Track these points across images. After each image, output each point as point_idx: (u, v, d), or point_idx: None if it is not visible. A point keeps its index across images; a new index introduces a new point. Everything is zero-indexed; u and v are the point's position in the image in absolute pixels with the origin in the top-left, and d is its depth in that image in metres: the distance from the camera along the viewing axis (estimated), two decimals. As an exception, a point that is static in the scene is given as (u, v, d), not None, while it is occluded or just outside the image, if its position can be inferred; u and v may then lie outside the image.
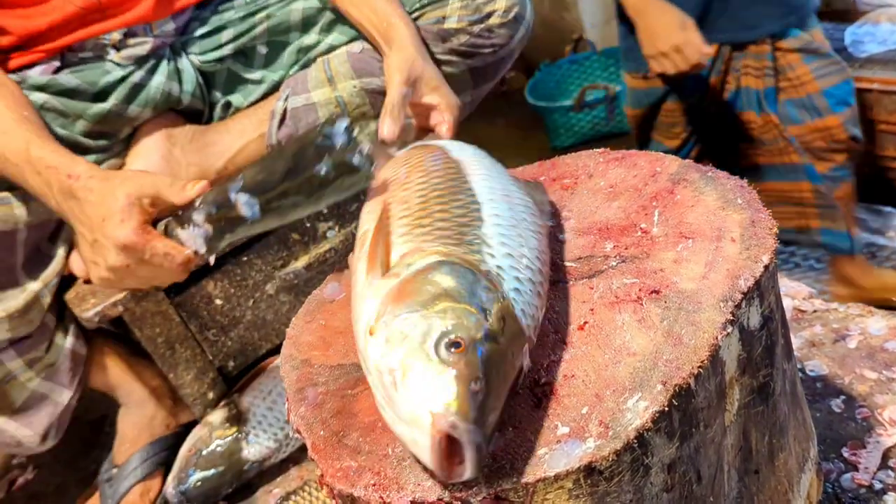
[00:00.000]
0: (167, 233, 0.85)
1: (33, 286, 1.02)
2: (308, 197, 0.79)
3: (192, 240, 0.84)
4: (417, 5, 1.13)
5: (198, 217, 0.83)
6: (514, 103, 2.77)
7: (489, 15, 1.14)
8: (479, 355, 0.50)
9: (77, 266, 1.05)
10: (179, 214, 0.84)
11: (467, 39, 1.14)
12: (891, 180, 2.16)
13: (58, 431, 1.11)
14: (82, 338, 1.12)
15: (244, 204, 0.80)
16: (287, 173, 0.78)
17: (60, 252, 1.06)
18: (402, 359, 0.50)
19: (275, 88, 1.19)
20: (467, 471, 0.47)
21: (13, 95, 0.96)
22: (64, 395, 1.09)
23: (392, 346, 0.51)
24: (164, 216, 0.87)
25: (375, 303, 0.55)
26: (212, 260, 0.87)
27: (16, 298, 1.00)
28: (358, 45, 1.15)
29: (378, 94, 1.14)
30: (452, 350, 0.50)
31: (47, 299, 1.04)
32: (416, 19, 1.13)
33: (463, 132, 1.33)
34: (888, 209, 2.11)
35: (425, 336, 0.50)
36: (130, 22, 1.08)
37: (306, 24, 1.17)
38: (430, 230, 0.60)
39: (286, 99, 1.13)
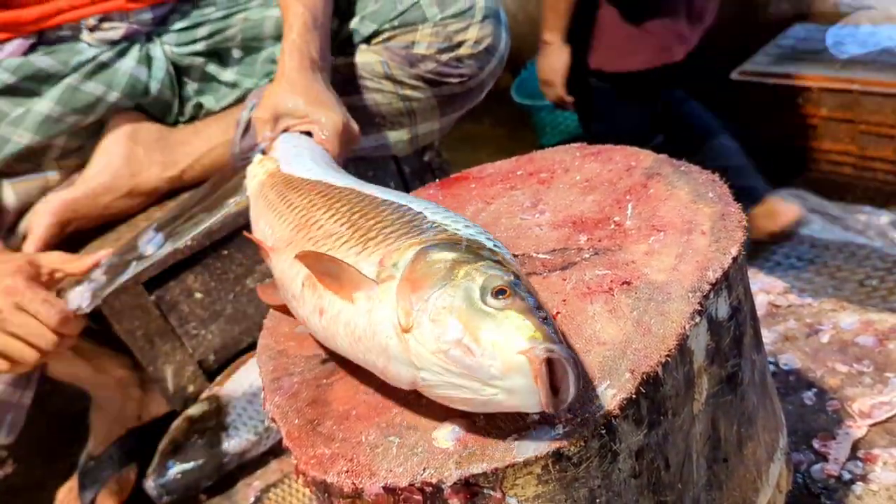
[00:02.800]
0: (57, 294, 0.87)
1: None
2: (210, 212, 0.78)
3: (79, 296, 0.85)
4: (388, 27, 1.13)
5: (96, 273, 0.85)
6: (500, 101, 2.79)
7: (459, 44, 1.13)
8: (524, 291, 0.50)
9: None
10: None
11: (434, 67, 1.13)
12: (871, 180, 2.19)
13: (13, 429, 1.11)
14: None
15: (151, 244, 0.80)
16: (201, 200, 0.78)
17: (20, 230, 1.07)
18: (462, 326, 0.48)
19: (247, 95, 1.19)
20: (571, 387, 0.46)
21: None
22: (14, 395, 1.09)
23: (443, 323, 0.49)
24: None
25: (388, 307, 0.52)
26: (86, 308, 0.87)
27: None
28: None
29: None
30: (501, 297, 0.49)
31: None
32: (387, 40, 1.14)
33: (451, 130, 1.34)
34: (868, 209, 2.13)
35: (469, 299, 0.49)
36: (108, 9, 1.08)
37: (279, 36, 1.18)
38: (384, 238, 0.57)
39: (251, 109, 1.13)
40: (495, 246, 0.57)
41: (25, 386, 1.10)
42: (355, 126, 0.93)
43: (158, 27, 1.15)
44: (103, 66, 1.11)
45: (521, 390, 0.47)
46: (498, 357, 0.47)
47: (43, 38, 1.08)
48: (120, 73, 1.11)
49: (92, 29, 1.09)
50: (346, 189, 0.69)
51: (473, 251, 0.54)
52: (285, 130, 0.91)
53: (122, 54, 1.12)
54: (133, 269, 0.82)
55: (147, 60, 1.14)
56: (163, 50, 1.15)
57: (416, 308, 0.51)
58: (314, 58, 0.96)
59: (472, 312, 0.49)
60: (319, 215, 0.65)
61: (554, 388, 0.46)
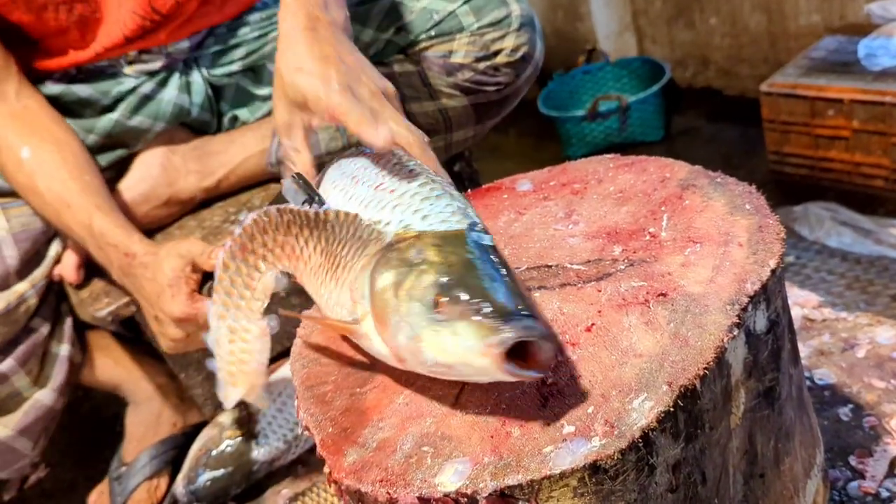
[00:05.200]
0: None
1: (20, 286, 1.04)
2: None
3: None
4: (425, 38, 1.13)
5: None
6: (526, 113, 2.79)
7: (496, 53, 1.13)
8: (460, 286, 0.53)
9: (65, 271, 1.07)
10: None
11: (472, 76, 1.14)
12: (904, 193, 2.16)
13: (46, 437, 1.12)
14: (77, 344, 1.13)
15: None
16: None
17: (51, 254, 1.08)
18: (431, 352, 0.53)
19: None
20: (546, 346, 0.50)
21: (75, 157, 0.98)
22: (57, 402, 1.10)
23: (417, 354, 0.54)
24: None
25: (379, 344, 0.58)
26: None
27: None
28: None
29: None
30: (441, 305, 0.52)
31: (33, 300, 1.05)
32: (424, 50, 1.14)
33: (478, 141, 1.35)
34: (901, 222, 2.10)
35: (420, 325, 0.53)
36: (146, 45, 1.09)
37: None
38: (343, 265, 0.61)
39: None
40: (423, 219, 0.60)
41: (65, 393, 1.12)
42: (390, 87, 0.79)
43: (195, 52, 1.17)
44: (147, 99, 1.12)
45: (502, 378, 0.51)
46: (469, 364, 0.51)
47: (82, 69, 1.10)
48: (164, 103, 1.13)
49: (132, 62, 1.11)
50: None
51: (405, 259, 0.56)
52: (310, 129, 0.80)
53: (162, 84, 1.13)
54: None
55: (187, 87, 1.15)
56: (201, 74, 1.16)
57: (392, 346, 0.56)
58: (316, 14, 0.80)
59: (430, 336, 0.52)
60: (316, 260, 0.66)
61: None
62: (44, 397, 1.07)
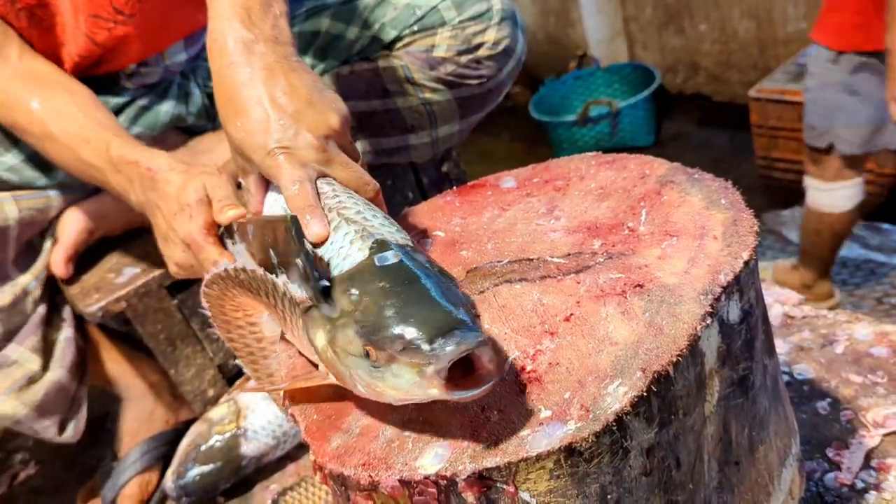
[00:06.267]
0: (223, 239, 0.83)
1: (23, 279, 1.05)
2: None
3: (239, 255, 0.80)
4: (408, 32, 1.15)
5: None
6: (518, 118, 2.81)
7: (478, 46, 1.15)
8: (380, 330, 0.53)
9: (55, 266, 1.08)
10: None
11: (454, 69, 1.15)
12: (890, 197, 2.18)
13: (78, 423, 1.13)
14: (80, 329, 1.14)
15: None
16: None
17: (48, 245, 1.09)
18: (391, 393, 0.53)
19: None
20: (484, 354, 0.51)
21: (86, 100, 0.97)
22: (71, 383, 1.11)
23: (381, 396, 0.55)
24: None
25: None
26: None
27: (4, 293, 1.04)
28: (346, 68, 1.17)
29: (361, 117, 1.17)
30: (374, 355, 0.52)
31: (37, 291, 1.07)
32: (407, 45, 1.15)
33: (468, 146, 1.36)
34: (887, 226, 2.12)
35: (368, 375, 0.54)
36: (141, 56, 1.10)
37: (301, 48, 1.20)
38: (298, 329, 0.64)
39: None
40: (335, 269, 0.60)
41: (81, 379, 1.13)
42: (341, 107, 0.74)
43: (193, 63, 1.18)
44: (144, 109, 1.13)
45: (456, 398, 0.51)
46: (425, 396, 0.52)
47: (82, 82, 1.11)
48: (161, 114, 1.14)
49: (131, 75, 1.12)
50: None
51: (323, 316, 0.58)
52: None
53: (161, 96, 1.14)
54: None
55: (185, 98, 1.16)
56: (198, 85, 1.17)
57: (358, 393, 0.58)
58: (244, 39, 0.73)
59: (379, 384, 0.53)
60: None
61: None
62: (57, 377, 1.08)
